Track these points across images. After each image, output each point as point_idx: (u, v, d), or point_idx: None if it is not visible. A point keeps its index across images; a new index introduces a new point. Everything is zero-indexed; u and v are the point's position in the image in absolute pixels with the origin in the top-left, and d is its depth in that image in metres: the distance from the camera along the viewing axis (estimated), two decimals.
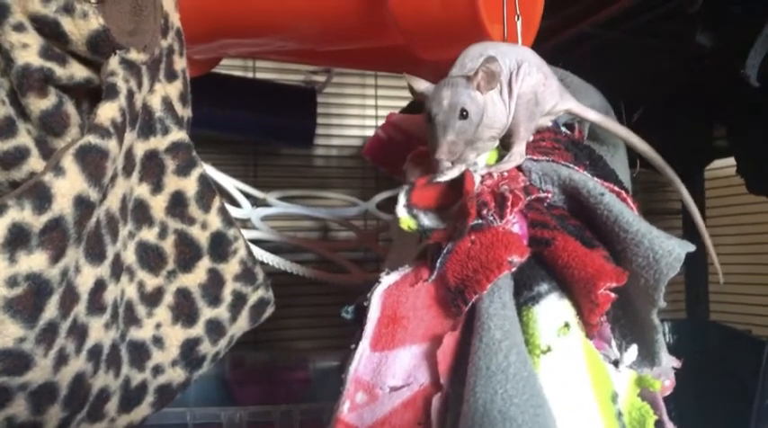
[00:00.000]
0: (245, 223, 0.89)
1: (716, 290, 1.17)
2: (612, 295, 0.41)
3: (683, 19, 0.70)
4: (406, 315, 0.44)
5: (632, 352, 0.44)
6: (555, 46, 0.80)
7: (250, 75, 1.10)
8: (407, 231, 0.48)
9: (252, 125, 1.02)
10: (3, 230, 0.34)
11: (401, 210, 0.48)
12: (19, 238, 0.35)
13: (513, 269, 0.43)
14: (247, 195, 0.93)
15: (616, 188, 0.47)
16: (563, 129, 0.56)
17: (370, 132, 1.14)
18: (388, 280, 0.46)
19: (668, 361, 0.47)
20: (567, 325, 0.42)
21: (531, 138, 0.51)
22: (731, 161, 1.08)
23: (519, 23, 0.57)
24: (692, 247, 0.41)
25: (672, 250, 0.41)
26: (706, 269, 1.17)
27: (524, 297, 0.43)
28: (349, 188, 1.11)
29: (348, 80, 1.15)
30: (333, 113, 1.14)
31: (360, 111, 1.16)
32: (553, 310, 0.42)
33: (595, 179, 0.47)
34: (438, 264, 0.44)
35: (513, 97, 0.50)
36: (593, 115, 0.55)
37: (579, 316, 0.43)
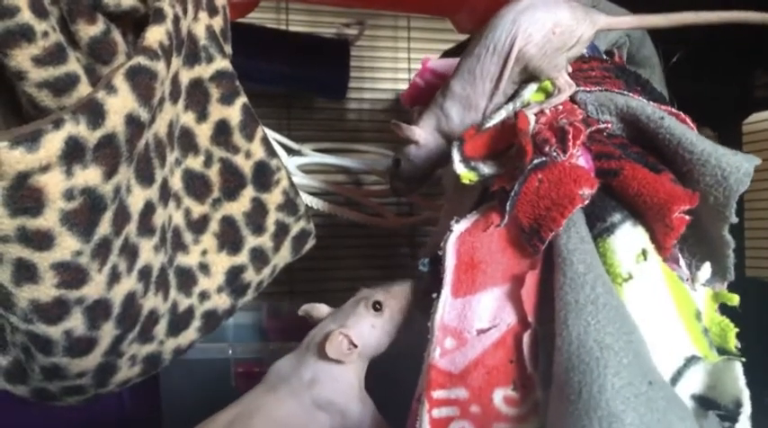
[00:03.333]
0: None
1: (752, 246, 1.15)
2: (687, 217, 0.41)
3: None
4: (483, 259, 0.45)
5: (706, 269, 0.44)
6: None
7: (283, 27, 1.10)
8: (469, 184, 0.48)
9: (284, 77, 1.02)
10: (60, 142, 0.35)
11: (459, 166, 0.48)
12: (75, 152, 0.36)
13: (586, 202, 0.43)
14: (283, 146, 0.94)
15: (674, 110, 0.47)
16: (607, 59, 0.55)
17: (403, 85, 1.14)
18: (459, 227, 0.47)
19: None
20: (644, 251, 0.42)
21: (570, 69, 0.51)
22: None
23: None
24: (758, 161, 0.41)
25: (740, 165, 0.41)
26: (742, 224, 1.16)
27: (598, 229, 0.43)
28: (382, 141, 1.11)
29: (381, 33, 1.15)
30: (365, 66, 1.14)
31: (392, 64, 1.16)
32: (629, 239, 0.43)
33: (651, 103, 0.47)
34: (508, 208, 0.45)
35: (506, 72, 0.50)
36: (627, 20, 0.52)
37: (654, 241, 0.43)
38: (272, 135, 0.90)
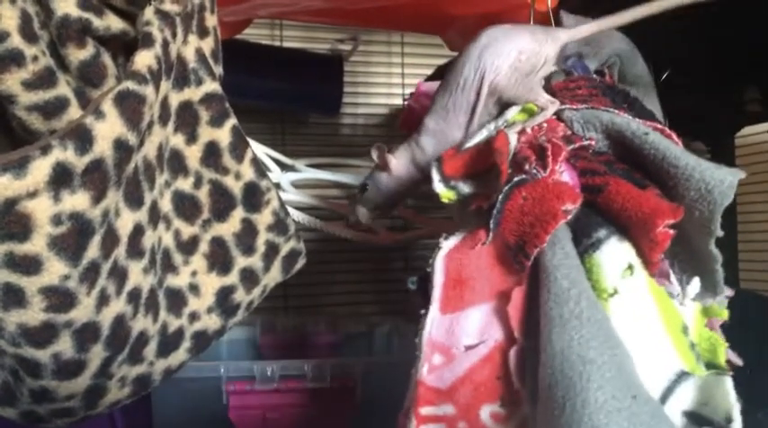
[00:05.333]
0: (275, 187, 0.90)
1: (746, 258, 1.15)
2: (671, 232, 0.41)
3: None
4: (471, 276, 0.45)
5: (695, 284, 0.44)
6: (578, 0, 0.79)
7: (277, 43, 1.11)
8: (449, 203, 0.49)
9: (279, 92, 1.02)
10: (47, 168, 0.35)
11: (438, 186, 0.49)
12: (62, 177, 0.36)
13: (569, 217, 0.43)
14: (276, 162, 0.94)
15: (659, 125, 0.47)
16: (596, 77, 0.56)
17: (397, 100, 1.15)
18: (447, 244, 0.47)
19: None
20: (630, 266, 0.42)
21: (543, 83, 0.51)
22: (764, 127, 1.06)
23: None
24: (742, 174, 0.41)
25: (723, 179, 0.41)
26: (736, 237, 1.16)
27: (584, 245, 0.44)
28: None
29: (374, 48, 1.16)
30: (359, 82, 1.15)
31: (386, 80, 1.17)
32: (615, 254, 0.43)
33: (637, 119, 0.47)
34: (492, 225, 0.45)
35: (479, 105, 0.51)
36: (586, 28, 0.53)
37: (640, 257, 0.43)
38: (266, 150, 0.91)
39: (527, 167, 0.45)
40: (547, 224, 0.42)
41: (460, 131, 0.53)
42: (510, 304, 0.43)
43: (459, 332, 0.44)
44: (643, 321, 0.42)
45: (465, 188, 0.48)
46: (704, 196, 0.42)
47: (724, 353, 0.43)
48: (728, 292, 0.47)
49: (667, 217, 0.41)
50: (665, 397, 0.41)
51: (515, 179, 0.44)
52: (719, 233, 0.42)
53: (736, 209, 1.14)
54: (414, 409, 0.43)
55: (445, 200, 0.49)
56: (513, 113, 0.51)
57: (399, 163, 0.57)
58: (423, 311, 0.46)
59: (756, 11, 0.68)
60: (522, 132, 0.49)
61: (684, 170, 0.43)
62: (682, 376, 0.41)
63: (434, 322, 0.45)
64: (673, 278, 0.45)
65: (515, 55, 0.50)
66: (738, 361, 0.45)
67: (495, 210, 0.45)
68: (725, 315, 0.45)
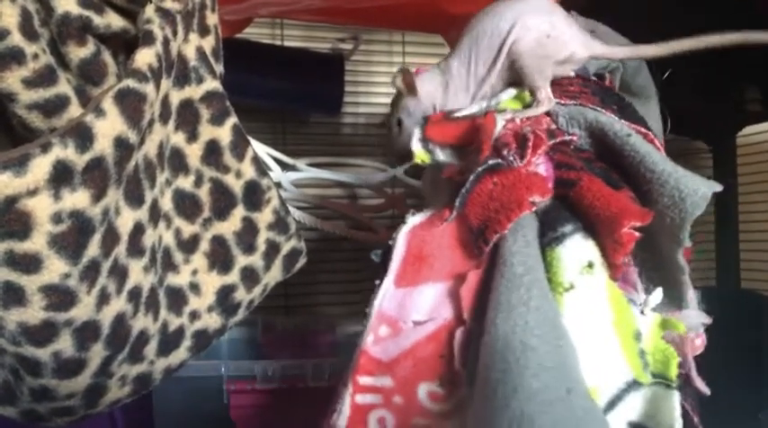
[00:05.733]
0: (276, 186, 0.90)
1: (747, 258, 1.15)
2: (636, 234, 0.41)
3: None
4: (432, 253, 0.45)
5: (657, 294, 0.44)
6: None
7: (278, 42, 1.11)
8: (422, 165, 0.49)
9: (279, 92, 1.02)
10: (48, 166, 0.35)
11: (416, 144, 0.49)
12: (63, 175, 0.36)
13: (535, 209, 0.43)
14: (277, 161, 0.94)
15: (643, 130, 0.47)
16: (593, 78, 0.55)
17: None
18: (413, 220, 0.47)
19: (698, 317, 0.46)
20: (590, 264, 0.42)
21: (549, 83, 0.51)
22: (765, 126, 1.06)
23: None
24: (718, 187, 0.41)
25: (697, 189, 0.41)
26: (737, 237, 1.16)
27: (548, 238, 0.43)
28: (377, 156, 1.12)
29: (376, 48, 1.16)
30: (360, 81, 1.15)
31: (387, 79, 1.16)
32: (577, 250, 0.42)
33: (622, 121, 0.47)
34: (457, 204, 0.45)
35: (499, 61, 0.51)
36: (623, 51, 0.53)
37: (604, 257, 0.43)
38: (267, 150, 0.91)
39: (505, 153, 0.45)
40: (511, 212, 0.42)
41: (474, 84, 0.53)
42: (464, 285, 0.43)
43: (411, 306, 0.44)
44: (595, 320, 0.41)
45: (441, 155, 0.49)
46: (677, 203, 0.41)
47: (676, 367, 0.42)
48: (706, 320, 0.45)
49: (634, 218, 0.41)
50: (612, 404, 0.40)
51: (490, 162, 0.44)
52: (688, 243, 0.42)
53: (737, 209, 1.14)
54: (353, 377, 0.42)
55: (418, 161, 0.49)
56: (506, 97, 0.51)
57: (427, 87, 0.55)
58: (377, 282, 0.46)
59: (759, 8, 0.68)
60: (510, 120, 0.49)
61: (660, 175, 0.42)
62: (632, 385, 0.41)
63: (387, 294, 0.45)
64: (639, 287, 0.45)
65: (546, 28, 0.49)
66: (705, 390, 0.44)
67: (463, 190, 0.45)
68: (682, 329, 0.44)
